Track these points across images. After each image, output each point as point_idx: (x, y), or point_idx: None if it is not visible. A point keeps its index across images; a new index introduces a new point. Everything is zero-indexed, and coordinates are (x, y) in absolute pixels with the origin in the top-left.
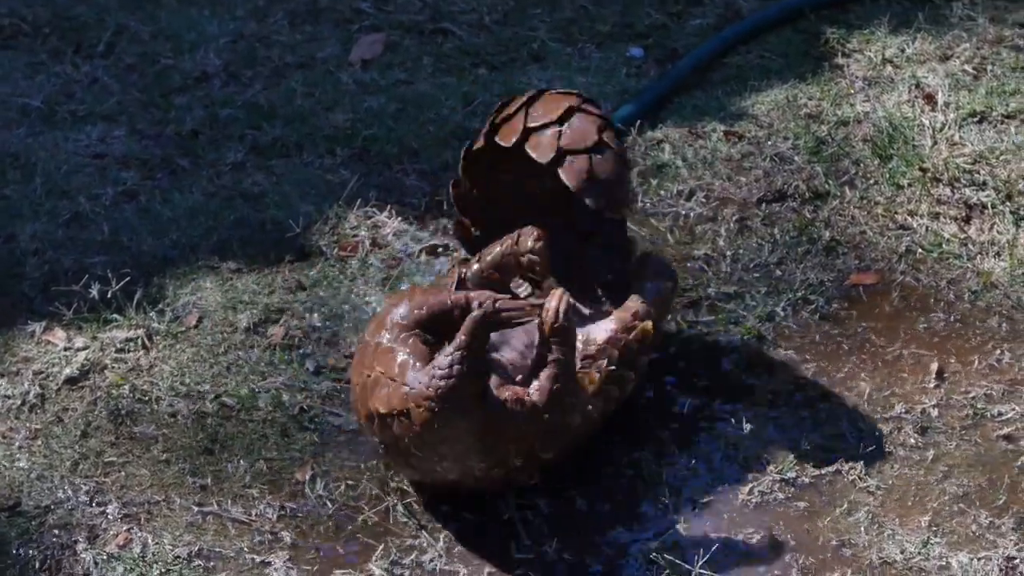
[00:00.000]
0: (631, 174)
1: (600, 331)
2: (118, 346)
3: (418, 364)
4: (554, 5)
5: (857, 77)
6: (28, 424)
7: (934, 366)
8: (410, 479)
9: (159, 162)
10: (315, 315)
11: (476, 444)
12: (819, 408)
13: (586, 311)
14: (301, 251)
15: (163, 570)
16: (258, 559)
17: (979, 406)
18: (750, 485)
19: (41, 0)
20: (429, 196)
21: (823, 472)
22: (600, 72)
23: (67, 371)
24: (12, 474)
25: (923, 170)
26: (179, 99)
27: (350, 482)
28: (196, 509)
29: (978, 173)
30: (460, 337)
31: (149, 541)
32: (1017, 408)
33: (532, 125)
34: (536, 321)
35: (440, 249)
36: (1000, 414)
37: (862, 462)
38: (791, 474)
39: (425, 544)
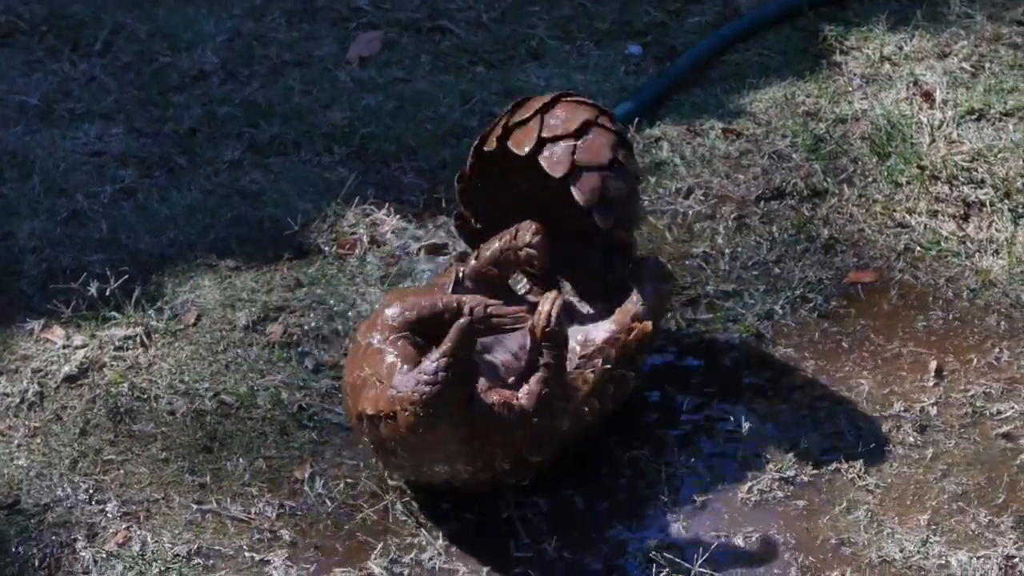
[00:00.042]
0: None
1: (599, 332)
2: (117, 344)
3: (406, 367)
4: (552, 3)
5: (855, 75)
6: (27, 422)
7: (933, 364)
8: (401, 478)
9: (157, 160)
10: (314, 313)
11: (462, 448)
12: (818, 406)
13: (588, 310)
14: (299, 249)
15: (162, 568)
16: (257, 557)
17: (978, 404)
18: (749, 483)
19: None
20: (427, 194)
21: (822, 471)
22: (599, 70)
23: (66, 369)
24: (11, 472)
25: (921, 168)
26: (177, 97)
27: (349, 480)
28: (195, 507)
29: (976, 171)
30: (446, 344)
31: (148, 539)
32: (1016, 406)
33: (547, 135)
34: (528, 325)
35: (439, 247)
36: (999, 412)
37: (861, 460)
38: (790, 472)
39: (424, 542)
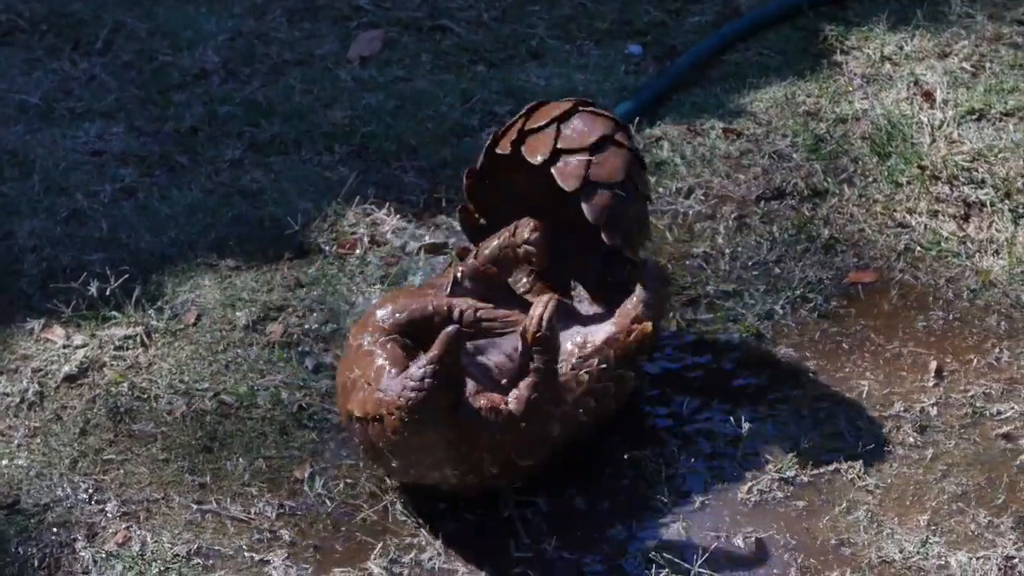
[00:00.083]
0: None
1: (599, 333)
2: (117, 344)
3: (393, 370)
4: (552, 2)
5: (856, 74)
6: (27, 422)
7: (933, 364)
8: (392, 479)
9: (157, 159)
10: (314, 313)
11: (448, 453)
12: (818, 407)
13: (588, 311)
14: (300, 248)
15: (162, 568)
16: (257, 557)
17: (978, 405)
18: (749, 484)
19: None
20: (428, 193)
21: (822, 471)
22: (599, 69)
23: (66, 369)
24: (11, 472)
25: (922, 168)
26: (177, 96)
27: (349, 480)
28: (195, 507)
29: (977, 171)
30: (434, 350)
31: (148, 539)
32: (1016, 407)
33: (562, 146)
34: (520, 328)
35: (439, 247)
36: (999, 413)
37: (861, 461)
38: (790, 473)
39: (424, 542)
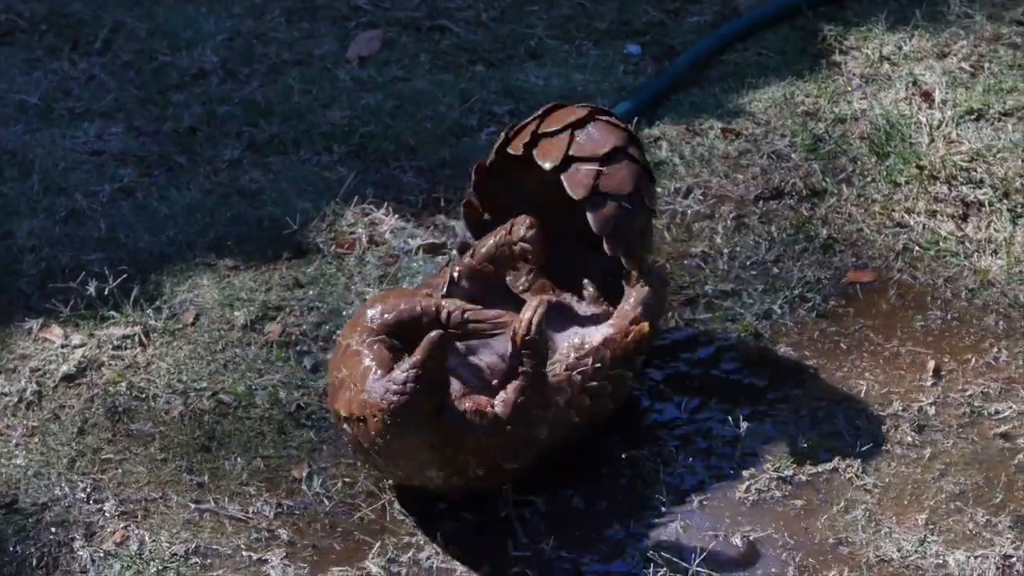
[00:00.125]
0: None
1: (597, 334)
2: (115, 343)
3: (379, 372)
4: (551, 2)
5: (854, 74)
6: (25, 421)
7: (931, 364)
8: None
9: (156, 159)
10: (312, 312)
11: (433, 456)
12: (816, 406)
13: (588, 310)
14: (298, 248)
15: (160, 567)
16: (255, 556)
17: (976, 404)
18: (747, 483)
19: None
20: (426, 193)
21: (820, 470)
22: (597, 69)
23: (64, 368)
24: (9, 471)
25: (920, 168)
26: (176, 96)
27: (347, 479)
28: (193, 506)
29: (975, 171)
30: (417, 354)
31: (146, 538)
32: (1014, 406)
33: (574, 154)
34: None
35: (438, 246)
36: (997, 412)
37: (859, 460)
38: (788, 472)
39: (422, 541)
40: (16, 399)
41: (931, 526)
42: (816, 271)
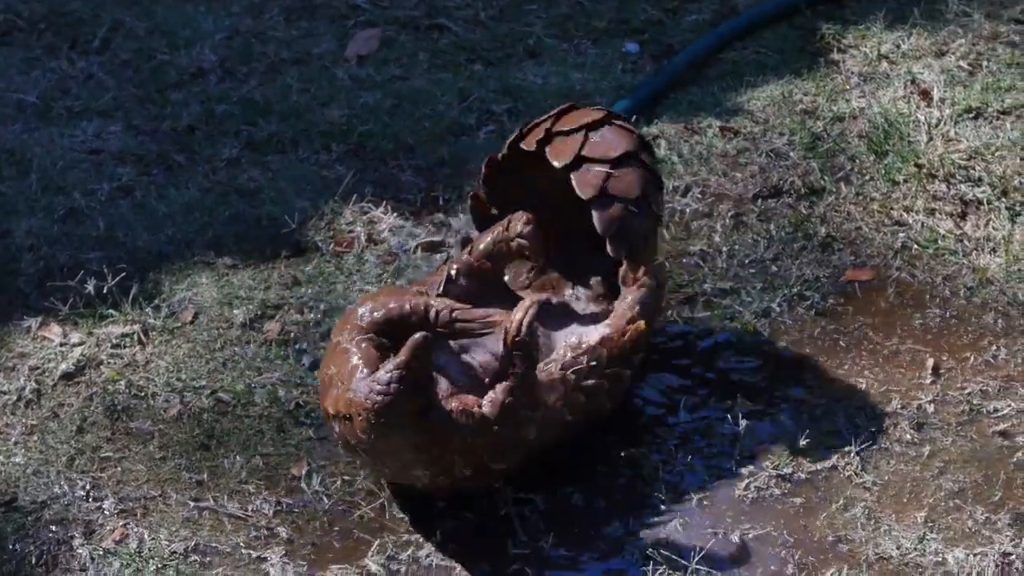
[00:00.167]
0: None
1: (595, 333)
2: (114, 342)
3: (365, 371)
4: (550, 1)
5: (853, 73)
6: (24, 420)
7: (930, 362)
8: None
9: (155, 158)
10: (311, 311)
11: (417, 456)
12: (815, 404)
13: (588, 308)
14: (297, 247)
15: (159, 565)
16: (254, 554)
17: (975, 402)
18: (746, 481)
19: None
20: (425, 192)
21: (819, 468)
22: (596, 68)
23: (63, 367)
24: (8, 469)
25: (919, 166)
26: (175, 95)
27: (346, 477)
28: (192, 504)
29: (974, 169)
30: (400, 356)
31: (145, 536)
32: (1012, 404)
33: (586, 155)
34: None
35: (436, 245)
36: (996, 410)
37: (858, 458)
38: (787, 470)
39: (421, 539)
40: (15, 397)
41: (930, 524)
42: (815, 269)
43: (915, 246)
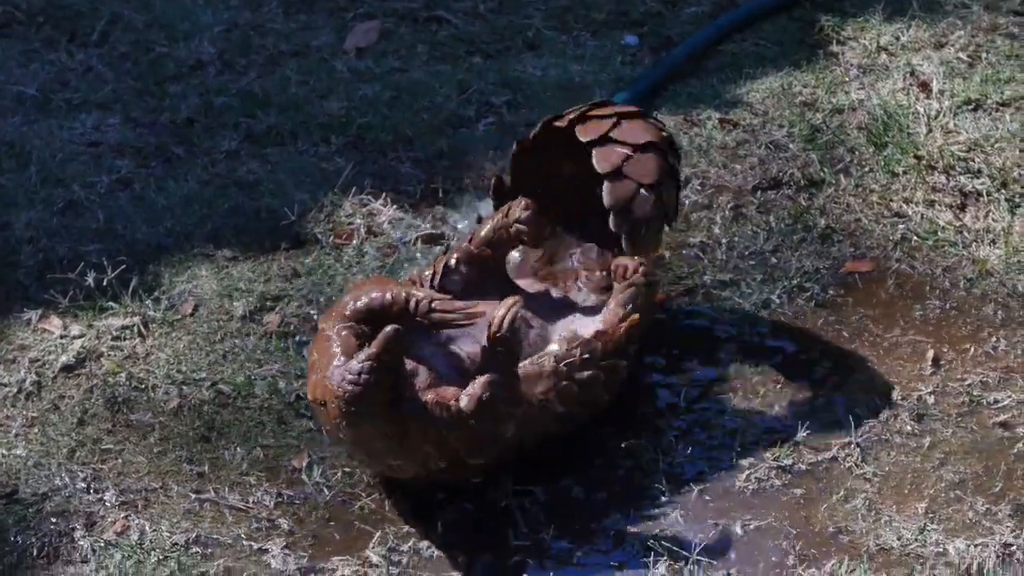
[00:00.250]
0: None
1: (589, 325)
2: (114, 334)
3: (343, 359)
4: None
5: (852, 65)
6: (25, 412)
7: (930, 353)
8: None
9: (154, 150)
10: (311, 303)
11: (388, 445)
12: (815, 395)
13: (587, 300)
14: (296, 239)
15: (160, 557)
16: (255, 546)
17: (975, 393)
18: (747, 472)
19: None
20: (424, 184)
21: (820, 459)
22: (595, 60)
23: (63, 359)
24: (9, 462)
25: (918, 158)
26: (174, 87)
27: (347, 469)
28: (193, 496)
29: (973, 161)
30: (372, 347)
31: (147, 528)
32: (1012, 395)
33: (613, 136)
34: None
35: (436, 237)
36: (996, 401)
37: (859, 449)
38: (788, 461)
39: (422, 531)
40: (16, 390)
41: (931, 515)
42: (814, 261)
43: (915, 237)
